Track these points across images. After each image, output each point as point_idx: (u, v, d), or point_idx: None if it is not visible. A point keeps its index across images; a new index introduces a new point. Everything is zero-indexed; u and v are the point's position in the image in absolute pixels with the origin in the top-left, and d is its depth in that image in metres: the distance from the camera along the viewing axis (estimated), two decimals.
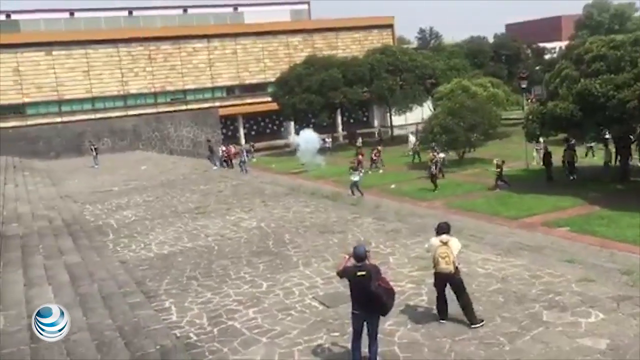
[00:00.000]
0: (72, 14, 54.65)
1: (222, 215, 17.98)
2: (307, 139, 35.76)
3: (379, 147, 35.95)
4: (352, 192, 22.77)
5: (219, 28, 56.23)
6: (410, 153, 36.41)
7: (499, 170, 25.09)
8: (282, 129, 43.99)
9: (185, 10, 59.09)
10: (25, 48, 48.15)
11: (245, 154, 32.40)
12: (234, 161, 32.60)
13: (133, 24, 55.63)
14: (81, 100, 50.68)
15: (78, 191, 25.24)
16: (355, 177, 23.35)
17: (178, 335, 8.97)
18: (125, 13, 56.71)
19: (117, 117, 51.23)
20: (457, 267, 8.56)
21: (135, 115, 52.00)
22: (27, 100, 48.72)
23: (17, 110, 48.36)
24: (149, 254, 14.07)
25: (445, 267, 8.44)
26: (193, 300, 10.54)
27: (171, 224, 17.31)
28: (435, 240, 8.65)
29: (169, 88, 54.15)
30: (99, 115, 50.79)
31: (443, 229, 8.73)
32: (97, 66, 51.06)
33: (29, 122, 48.37)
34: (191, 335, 9.01)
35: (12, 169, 31.48)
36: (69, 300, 9.60)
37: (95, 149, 37.17)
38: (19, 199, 20.72)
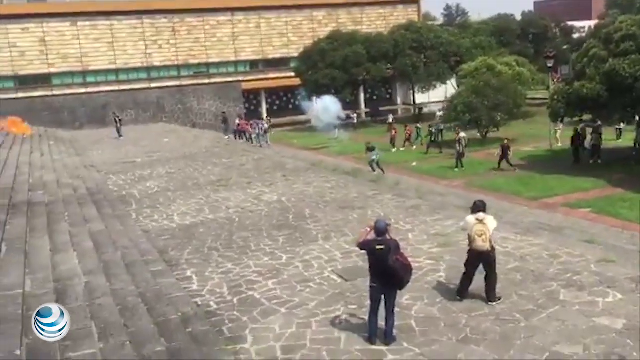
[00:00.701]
0: None
1: (243, 189, 18.14)
2: (327, 106, 34.17)
3: (418, 124, 35.56)
4: (373, 169, 22.76)
5: (243, 1, 55.98)
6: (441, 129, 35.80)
7: (502, 151, 24.74)
8: (303, 102, 42.64)
9: None
10: (51, 18, 48.55)
11: (259, 127, 32.29)
12: (252, 135, 32.64)
13: None
14: (105, 72, 51.11)
15: (102, 161, 25.61)
16: (373, 156, 23.28)
17: (199, 303, 9.17)
18: None
19: (140, 89, 51.59)
20: (492, 246, 8.58)
21: (158, 87, 52.32)
22: (52, 70, 49.29)
23: (43, 80, 48.98)
24: (171, 224, 14.30)
25: (482, 244, 8.43)
26: (214, 270, 10.72)
27: (193, 195, 17.52)
28: (471, 218, 8.61)
29: (193, 61, 54.26)
30: (122, 87, 51.20)
31: (479, 207, 8.66)
32: (122, 38, 51.33)
33: (54, 92, 49.00)
34: (211, 303, 9.20)
35: (38, 138, 31.99)
36: (93, 266, 9.84)
37: (119, 120, 37.50)
38: (45, 167, 21.11)
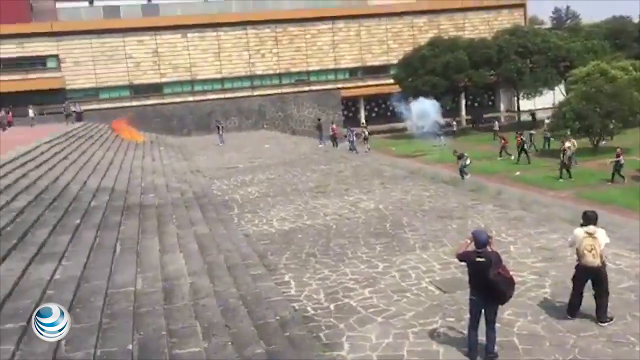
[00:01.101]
0: None
1: (340, 195, 18.26)
2: (425, 109, 32.73)
3: (532, 131, 34.26)
4: (462, 176, 22.48)
5: (344, 10, 56.58)
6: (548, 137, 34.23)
7: (617, 160, 23.24)
8: (398, 105, 41.51)
9: None
10: (163, 31, 51.51)
11: (353, 134, 32.54)
12: (351, 141, 32.88)
13: (262, 7, 57.44)
14: (212, 81, 53.42)
15: (207, 167, 26.73)
16: (466, 162, 23.07)
17: (296, 308, 9.31)
18: None
19: (244, 97, 53.44)
20: (603, 262, 8.02)
21: (260, 95, 53.94)
22: (164, 80, 52.20)
23: (156, 89, 52.01)
24: (270, 229, 14.65)
25: (592, 260, 7.87)
26: (311, 276, 10.86)
27: (292, 201, 17.85)
28: (580, 232, 8.04)
29: (293, 69, 55.50)
30: (227, 95, 53.27)
31: (590, 218, 8.05)
32: (227, 48, 53.48)
33: (165, 101, 51.83)
34: (309, 309, 9.31)
35: (150, 144, 33.94)
36: (198, 268, 10.26)
37: (221, 127, 38.88)
38: (156, 171, 22.35)
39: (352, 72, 57.22)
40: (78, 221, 11.79)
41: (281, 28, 54.71)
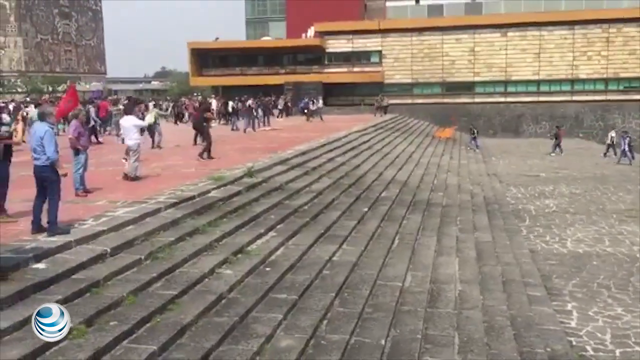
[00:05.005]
0: None
1: None
2: None
3: None
4: None
5: None
6: None
7: None
8: None
9: None
10: (482, 29, 50.94)
11: (625, 142, 28.47)
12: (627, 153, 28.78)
13: (594, 4, 52.59)
14: (526, 82, 51.05)
15: (505, 172, 25.68)
16: None
17: (573, 343, 8.27)
18: None
19: (559, 101, 49.81)
20: None
21: (579, 101, 49.57)
22: (476, 79, 51.79)
23: (467, 87, 51.95)
24: (562, 249, 13.35)
25: None
26: (599, 311, 9.54)
27: (594, 222, 15.99)
28: None
29: (624, 74, 49.58)
30: (541, 99, 50.33)
31: None
32: (549, 49, 50.34)
33: (475, 100, 51.44)
34: (588, 348, 8.20)
35: (452, 142, 34.11)
36: (471, 276, 9.88)
37: (475, 131, 36.27)
38: (451, 170, 22.34)
39: None
40: (366, 209, 12.45)
41: (615, 28, 49.22)
